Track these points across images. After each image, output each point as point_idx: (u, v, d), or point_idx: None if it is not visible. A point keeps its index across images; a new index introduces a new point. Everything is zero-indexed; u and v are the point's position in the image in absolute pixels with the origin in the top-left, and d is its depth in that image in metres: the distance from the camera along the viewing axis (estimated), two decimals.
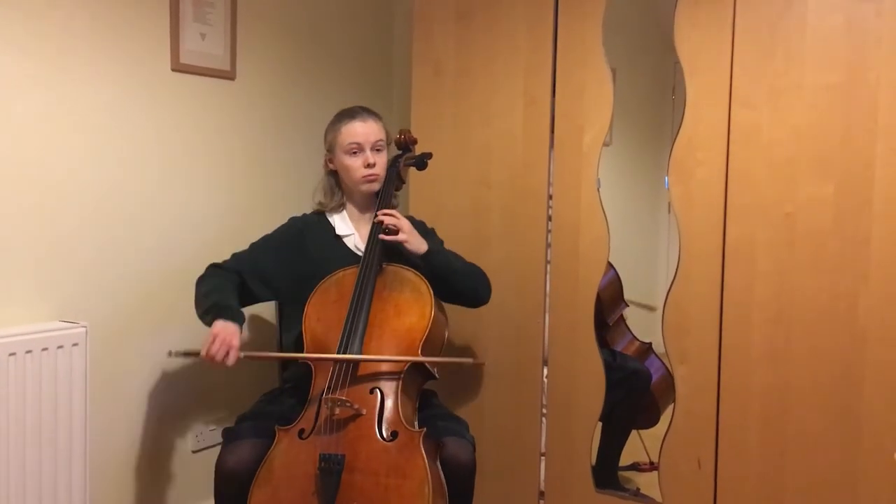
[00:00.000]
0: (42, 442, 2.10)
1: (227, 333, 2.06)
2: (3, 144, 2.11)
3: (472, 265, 2.40)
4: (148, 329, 2.48)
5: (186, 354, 2.13)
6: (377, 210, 2.31)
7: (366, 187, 2.35)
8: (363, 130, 2.32)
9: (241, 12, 2.68)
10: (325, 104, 2.88)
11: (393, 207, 2.35)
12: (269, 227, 2.42)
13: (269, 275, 2.30)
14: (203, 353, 2.04)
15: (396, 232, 2.25)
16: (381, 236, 2.25)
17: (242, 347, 2.08)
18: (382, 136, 2.36)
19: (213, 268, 2.29)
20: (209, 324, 2.09)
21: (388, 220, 2.26)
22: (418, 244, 2.29)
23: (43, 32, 2.17)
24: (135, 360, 2.45)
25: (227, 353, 2.04)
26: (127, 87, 2.38)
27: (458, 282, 2.33)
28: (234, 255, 2.33)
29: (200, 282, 2.25)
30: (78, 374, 2.17)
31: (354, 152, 2.32)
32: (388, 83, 3.34)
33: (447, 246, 2.45)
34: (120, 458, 2.43)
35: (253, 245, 2.36)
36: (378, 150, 2.34)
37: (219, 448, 2.19)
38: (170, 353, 2.16)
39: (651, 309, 2.92)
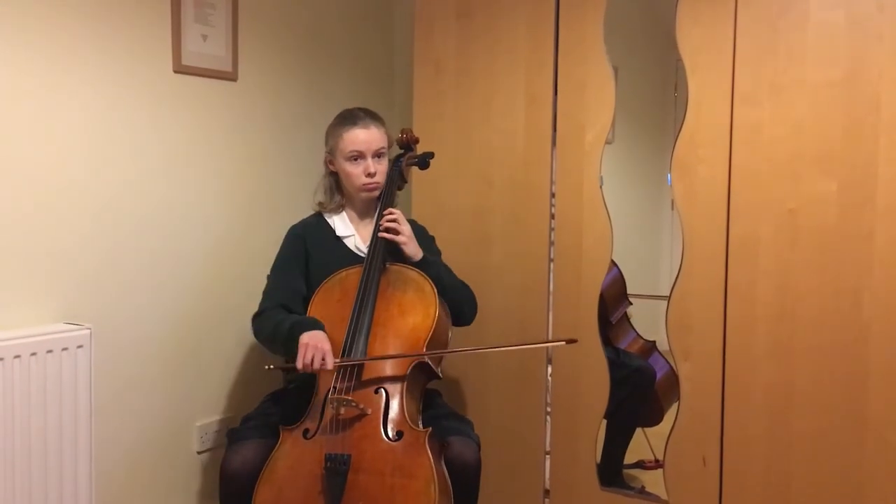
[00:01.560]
0: (47, 444, 2.10)
1: (315, 340, 2.06)
2: (4, 147, 2.11)
3: (463, 283, 2.40)
4: (152, 330, 2.48)
5: (284, 369, 2.14)
6: (380, 210, 2.31)
7: (365, 195, 2.35)
8: (365, 138, 2.32)
9: (242, 13, 2.68)
10: (327, 104, 2.88)
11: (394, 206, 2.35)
12: (271, 227, 2.42)
13: (303, 292, 2.31)
14: (299, 365, 2.05)
15: (397, 233, 2.27)
16: (381, 234, 2.26)
17: None
18: (384, 142, 2.36)
19: (258, 316, 2.28)
20: (297, 344, 2.08)
21: (390, 223, 2.27)
22: (414, 250, 2.31)
23: (44, 34, 2.17)
24: (139, 361, 2.45)
25: (324, 359, 2.05)
26: (129, 88, 2.37)
27: (444, 294, 2.30)
28: (265, 294, 2.32)
29: (259, 331, 2.26)
30: (82, 376, 2.17)
31: (355, 159, 2.32)
32: (389, 82, 3.34)
33: (449, 246, 2.45)
34: (125, 459, 2.43)
35: (275, 274, 2.36)
36: (379, 156, 2.34)
37: (223, 449, 2.19)
38: (267, 368, 2.18)
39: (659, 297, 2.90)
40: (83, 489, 2.18)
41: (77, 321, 2.24)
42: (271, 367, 2.18)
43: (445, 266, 2.39)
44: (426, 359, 2.10)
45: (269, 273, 2.38)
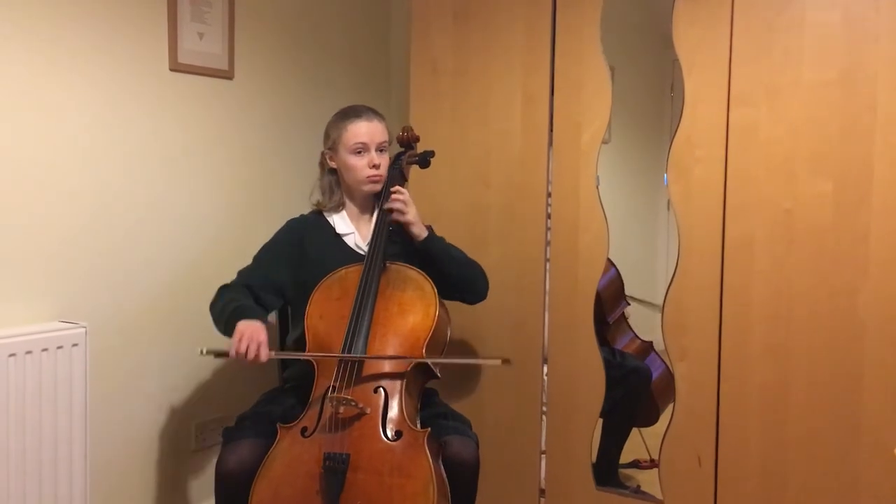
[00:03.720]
0: (42, 442, 2.09)
1: (251, 330, 2.05)
2: (1, 145, 2.10)
3: (470, 259, 2.41)
4: (148, 328, 2.47)
5: (217, 354, 2.11)
6: (382, 200, 2.31)
7: (368, 188, 2.35)
8: (369, 130, 2.32)
9: (238, 11, 2.67)
10: (324, 103, 2.88)
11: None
12: (268, 225, 2.41)
13: (278, 283, 2.30)
14: (232, 352, 2.04)
15: (403, 213, 2.28)
16: (388, 208, 2.27)
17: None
18: (386, 136, 2.36)
19: (223, 288, 2.28)
20: (233, 329, 2.07)
21: (397, 203, 2.28)
22: (420, 229, 2.32)
23: (40, 33, 2.16)
24: (135, 359, 2.44)
25: (258, 350, 2.04)
26: (125, 86, 2.37)
27: (455, 270, 2.33)
28: (240, 272, 2.31)
29: (214, 303, 2.25)
30: (78, 374, 2.16)
31: (359, 152, 2.32)
32: (386, 82, 3.34)
33: None
34: (120, 458, 2.42)
35: (256, 257, 2.35)
36: (382, 150, 2.34)
37: (219, 448, 2.18)
38: (201, 352, 2.13)
39: (653, 305, 2.92)
40: (78, 488, 2.17)
41: (72, 319, 2.23)
42: (203, 351, 2.12)
43: (453, 245, 2.39)
44: (425, 357, 2.10)
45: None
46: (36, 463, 2.08)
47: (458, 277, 2.34)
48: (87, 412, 2.18)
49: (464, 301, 2.39)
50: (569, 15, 2.52)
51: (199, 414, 2.66)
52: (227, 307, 2.16)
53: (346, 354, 2.06)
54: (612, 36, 2.49)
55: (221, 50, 2.62)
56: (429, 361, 2.11)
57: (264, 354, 2.05)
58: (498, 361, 2.18)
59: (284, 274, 2.32)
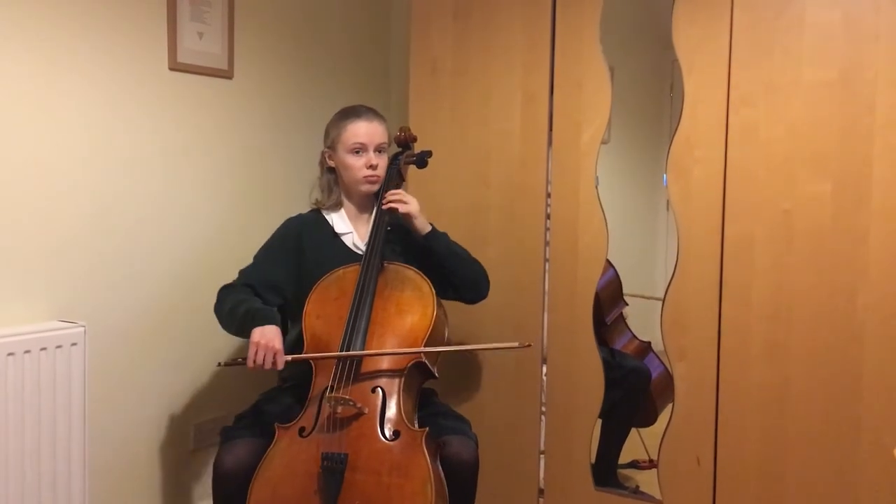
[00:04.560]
0: (41, 442, 2.09)
1: (267, 339, 2.05)
2: (1, 144, 2.10)
3: (473, 257, 2.41)
4: (147, 328, 2.47)
5: (235, 364, 2.12)
6: (380, 200, 2.31)
7: (365, 188, 2.35)
8: (368, 131, 2.32)
9: (238, 11, 2.67)
10: (323, 102, 2.88)
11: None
12: (267, 225, 2.41)
13: (279, 283, 2.30)
14: (249, 364, 2.05)
15: (405, 202, 2.28)
16: (387, 205, 2.27)
17: None
18: (386, 138, 2.36)
19: (226, 288, 2.27)
20: (247, 332, 2.08)
21: (395, 200, 2.28)
22: (423, 223, 2.32)
23: (40, 32, 2.16)
24: (133, 359, 2.44)
25: (275, 359, 2.04)
26: (125, 86, 2.37)
27: (459, 267, 2.33)
28: (241, 272, 2.31)
29: (220, 304, 2.24)
30: (76, 374, 2.16)
31: (357, 151, 2.32)
32: (385, 81, 3.34)
33: None
34: (118, 457, 2.42)
35: (256, 257, 2.35)
36: (380, 151, 2.35)
37: (217, 447, 2.19)
38: (219, 364, 2.17)
39: (654, 298, 2.91)
40: (77, 487, 2.17)
41: (71, 319, 2.23)
42: (221, 363, 2.15)
43: (455, 242, 2.39)
44: (423, 357, 2.10)
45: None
46: (34, 462, 2.08)
47: (461, 275, 2.34)
48: (85, 412, 2.19)
49: (463, 300, 2.39)
50: (569, 14, 2.51)
51: (198, 414, 2.66)
52: (238, 310, 2.15)
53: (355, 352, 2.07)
54: (612, 36, 2.49)
55: (221, 49, 2.62)
56: (443, 350, 2.14)
57: (280, 362, 2.05)
58: (515, 344, 2.20)
59: (283, 273, 2.31)
